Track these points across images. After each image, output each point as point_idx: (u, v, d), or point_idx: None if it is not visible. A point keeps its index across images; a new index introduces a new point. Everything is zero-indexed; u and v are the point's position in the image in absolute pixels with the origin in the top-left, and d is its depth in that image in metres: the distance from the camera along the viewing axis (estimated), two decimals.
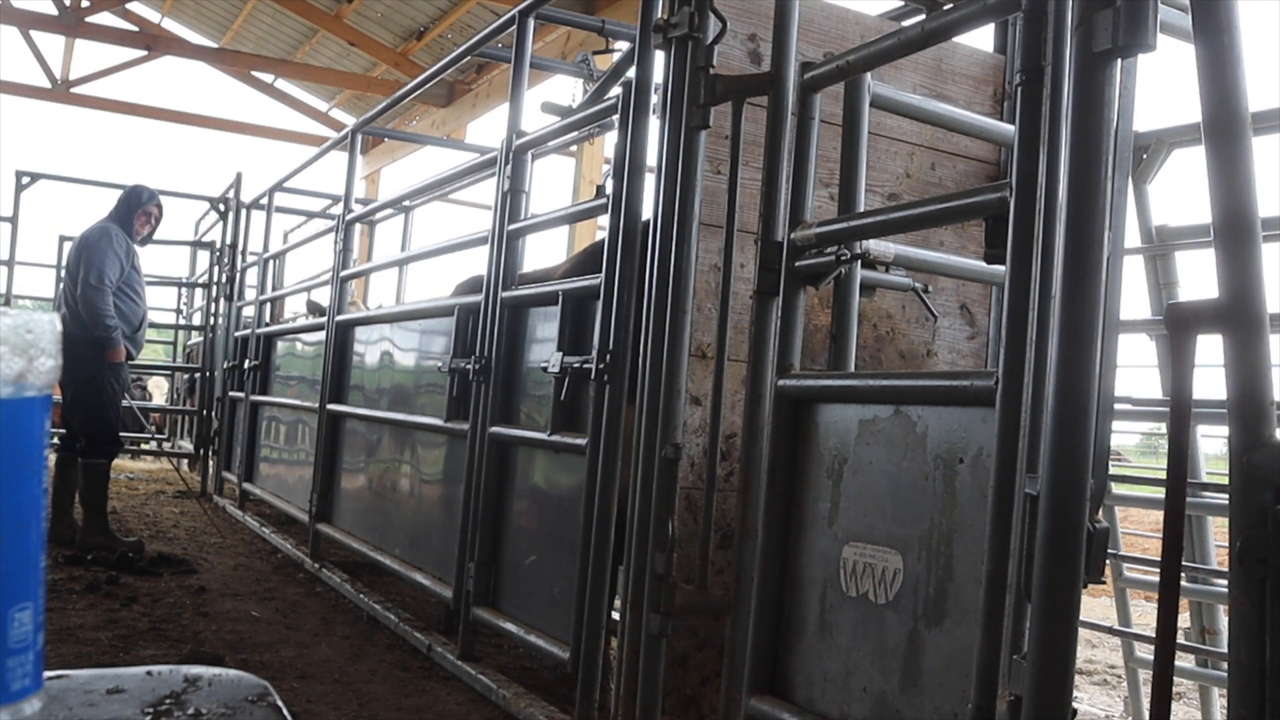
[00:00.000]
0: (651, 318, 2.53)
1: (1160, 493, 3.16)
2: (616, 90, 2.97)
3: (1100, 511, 1.65)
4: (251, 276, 7.97)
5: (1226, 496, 1.75)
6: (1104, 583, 2.93)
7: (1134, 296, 5.91)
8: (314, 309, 6.37)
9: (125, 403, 5.47)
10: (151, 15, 11.55)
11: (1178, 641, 1.60)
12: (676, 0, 2.49)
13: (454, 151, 8.02)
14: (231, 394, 7.20)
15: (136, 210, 5.41)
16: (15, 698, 0.57)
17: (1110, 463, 2.48)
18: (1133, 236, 3.33)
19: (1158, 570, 1.43)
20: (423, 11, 9.58)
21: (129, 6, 10.98)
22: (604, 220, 2.95)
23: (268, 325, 6.81)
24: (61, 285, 5.55)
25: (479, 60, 8.09)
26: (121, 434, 5.57)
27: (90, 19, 10.02)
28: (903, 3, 3.54)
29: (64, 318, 5.04)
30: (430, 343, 4.16)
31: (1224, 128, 1.36)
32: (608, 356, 2.75)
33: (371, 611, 4.07)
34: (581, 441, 2.83)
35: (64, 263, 5.54)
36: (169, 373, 11.36)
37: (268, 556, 5.37)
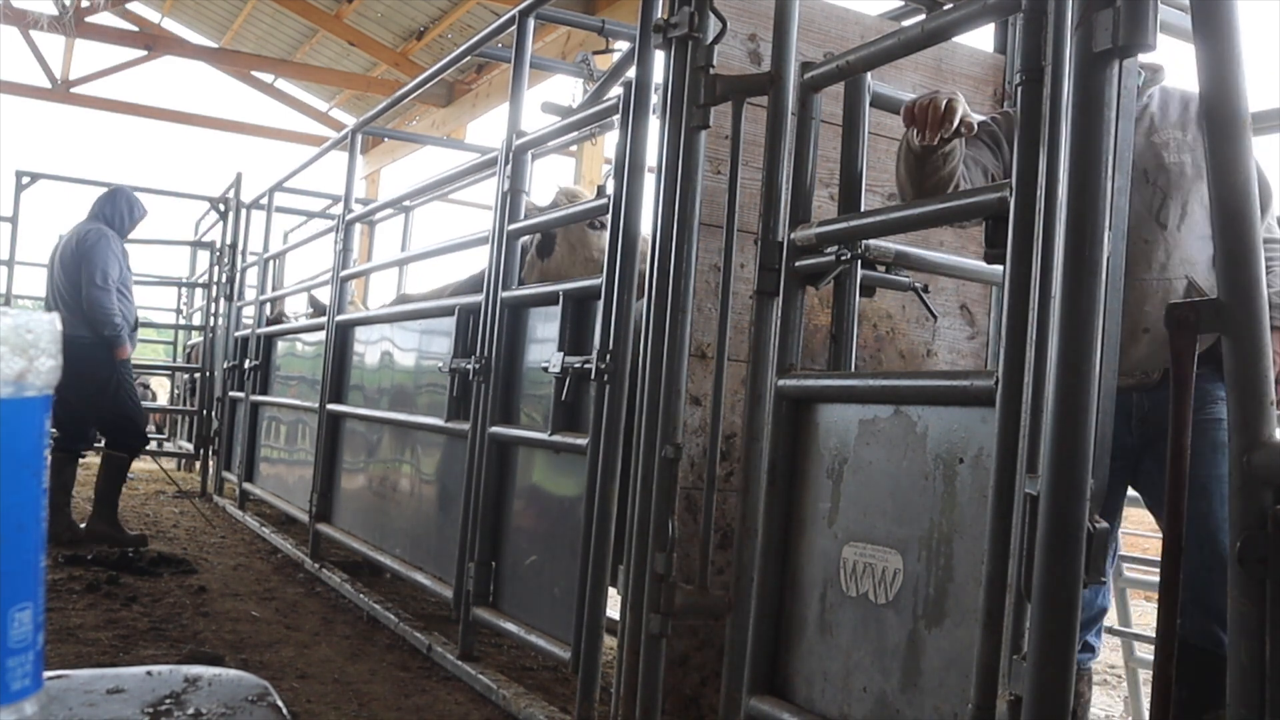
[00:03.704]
0: (651, 318, 2.53)
1: None
2: (616, 90, 2.97)
3: (1100, 511, 1.64)
4: (251, 276, 7.97)
5: None
6: (1104, 582, 2.92)
7: None
8: (316, 306, 6.38)
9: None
10: (151, 15, 11.55)
11: (1178, 641, 1.60)
12: (676, 0, 2.49)
13: (454, 151, 8.02)
14: (231, 394, 7.20)
15: (127, 212, 5.48)
16: (15, 698, 0.57)
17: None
18: None
19: (1158, 570, 1.43)
20: (423, 11, 9.58)
21: (129, 6, 10.98)
22: (604, 220, 2.95)
23: (268, 325, 6.82)
24: (52, 289, 5.46)
25: (479, 60, 8.09)
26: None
27: (90, 19, 10.02)
28: (903, 3, 3.55)
29: (65, 321, 5.04)
30: (430, 343, 4.16)
31: (1224, 127, 1.36)
32: (608, 356, 2.75)
33: (371, 611, 4.07)
34: (582, 441, 2.83)
35: (55, 267, 5.43)
36: (169, 373, 11.36)
37: (268, 556, 5.37)
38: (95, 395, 5.17)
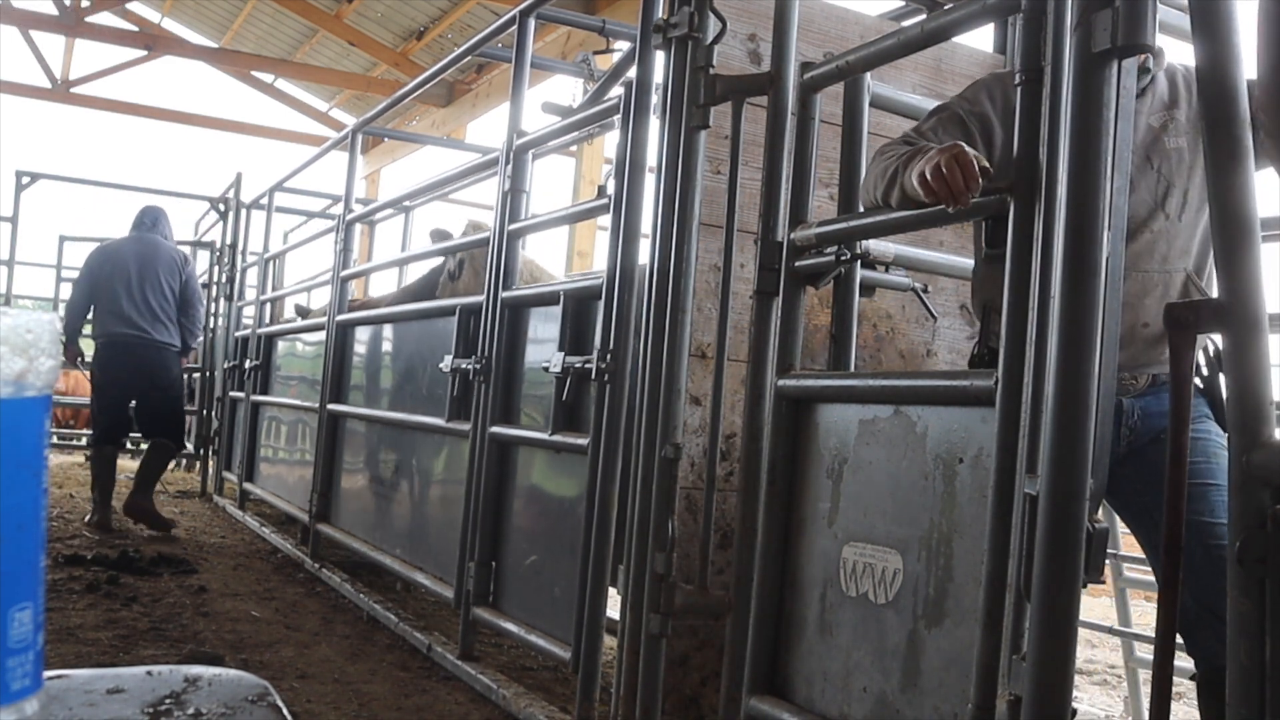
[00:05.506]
0: (651, 318, 2.53)
1: None
2: (617, 90, 2.97)
3: (1100, 511, 1.64)
4: (252, 276, 7.96)
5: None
6: (1104, 583, 2.92)
7: None
8: (302, 313, 6.43)
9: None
10: (151, 15, 11.55)
11: (1177, 641, 1.60)
12: (676, 0, 2.49)
13: (454, 151, 8.02)
14: (232, 394, 7.20)
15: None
16: (15, 698, 0.57)
17: None
18: None
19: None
20: (423, 11, 9.58)
21: (129, 6, 10.98)
22: (605, 220, 2.95)
23: (268, 325, 6.82)
24: (113, 293, 5.85)
25: (479, 60, 8.08)
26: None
27: (90, 19, 10.02)
28: (903, 3, 3.55)
29: (142, 324, 5.88)
30: (430, 343, 4.16)
31: (1224, 126, 1.36)
32: (609, 356, 2.75)
33: (371, 611, 4.07)
34: (583, 441, 2.83)
35: (129, 273, 5.88)
36: None
37: (268, 556, 5.37)
38: (167, 391, 5.97)
